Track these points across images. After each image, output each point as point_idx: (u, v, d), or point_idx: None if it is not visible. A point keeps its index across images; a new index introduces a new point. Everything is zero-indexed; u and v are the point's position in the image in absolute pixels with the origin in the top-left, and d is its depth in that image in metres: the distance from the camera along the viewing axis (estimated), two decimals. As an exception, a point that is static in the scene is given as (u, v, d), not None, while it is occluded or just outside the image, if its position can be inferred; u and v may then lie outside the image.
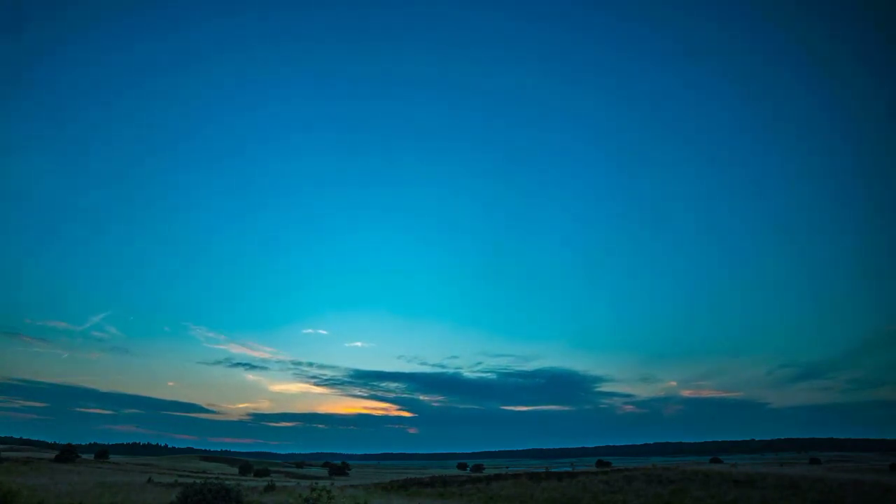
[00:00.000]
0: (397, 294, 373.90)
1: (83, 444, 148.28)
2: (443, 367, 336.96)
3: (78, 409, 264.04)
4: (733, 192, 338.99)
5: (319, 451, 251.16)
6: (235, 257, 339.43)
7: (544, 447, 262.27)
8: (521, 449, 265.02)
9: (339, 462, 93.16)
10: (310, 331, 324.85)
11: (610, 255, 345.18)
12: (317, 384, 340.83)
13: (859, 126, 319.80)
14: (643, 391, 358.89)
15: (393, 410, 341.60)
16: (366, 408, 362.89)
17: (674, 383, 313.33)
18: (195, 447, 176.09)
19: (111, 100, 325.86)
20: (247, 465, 69.88)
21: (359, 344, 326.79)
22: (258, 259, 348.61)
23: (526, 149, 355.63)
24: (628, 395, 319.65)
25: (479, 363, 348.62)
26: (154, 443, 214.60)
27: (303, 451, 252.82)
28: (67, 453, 55.33)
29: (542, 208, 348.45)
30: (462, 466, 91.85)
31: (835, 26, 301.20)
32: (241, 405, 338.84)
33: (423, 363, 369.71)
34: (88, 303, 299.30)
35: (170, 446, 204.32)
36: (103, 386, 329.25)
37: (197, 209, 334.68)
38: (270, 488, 31.60)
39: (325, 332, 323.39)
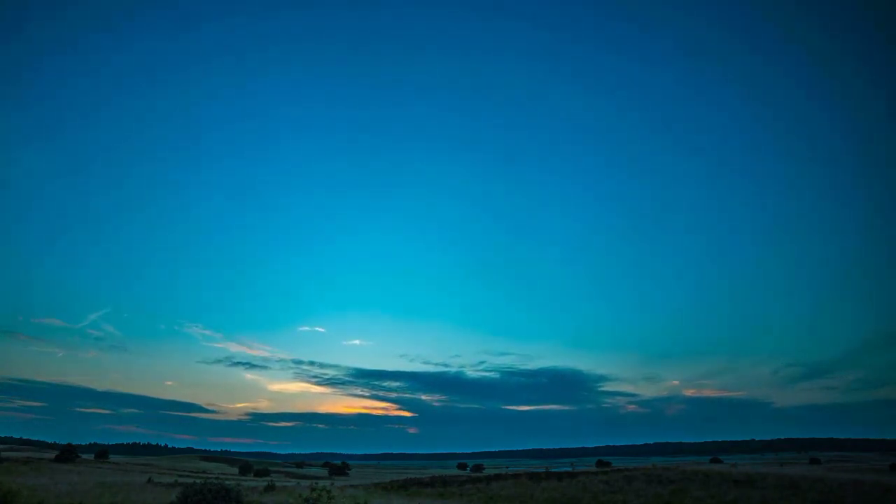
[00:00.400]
0: (399, 294, 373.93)
1: (83, 444, 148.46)
2: (446, 365, 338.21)
3: (77, 409, 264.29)
4: (738, 192, 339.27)
5: (319, 451, 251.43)
6: (233, 256, 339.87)
7: (544, 447, 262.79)
8: (521, 449, 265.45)
9: (339, 462, 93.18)
10: (306, 328, 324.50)
11: (615, 254, 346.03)
12: (318, 383, 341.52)
13: (859, 126, 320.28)
14: (646, 391, 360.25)
15: (393, 410, 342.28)
16: (366, 407, 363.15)
17: (676, 382, 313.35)
18: (195, 447, 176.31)
19: (112, 100, 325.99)
20: (247, 465, 69.90)
21: (357, 342, 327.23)
22: (257, 259, 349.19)
23: (527, 150, 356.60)
24: (631, 395, 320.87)
25: (483, 362, 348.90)
26: (154, 443, 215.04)
27: (302, 451, 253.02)
28: (67, 453, 55.36)
29: (544, 208, 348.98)
30: (462, 466, 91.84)
31: (835, 26, 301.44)
32: (239, 405, 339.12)
33: (427, 362, 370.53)
34: (85, 301, 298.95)
35: (170, 446, 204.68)
36: (101, 385, 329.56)
37: (196, 209, 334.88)
38: (270, 488, 31.60)
39: (321, 330, 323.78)
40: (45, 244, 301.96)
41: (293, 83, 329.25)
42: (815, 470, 46.52)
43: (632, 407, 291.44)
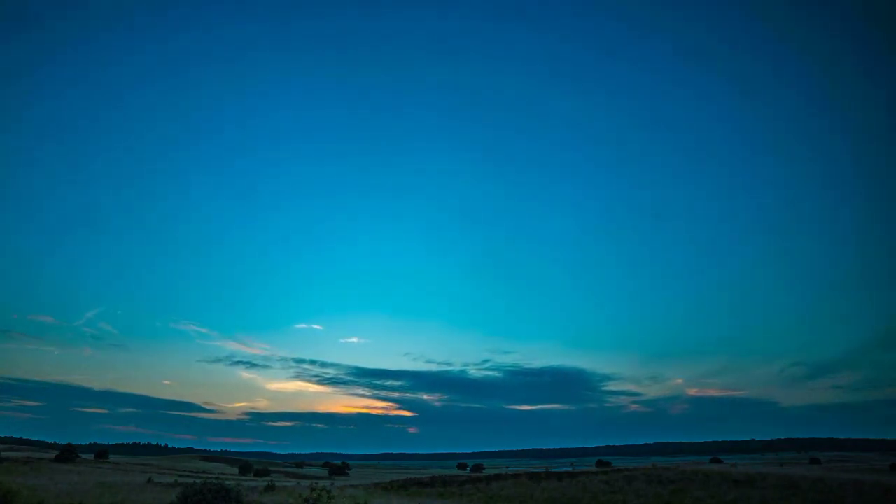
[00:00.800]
0: (403, 294, 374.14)
1: (82, 443, 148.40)
2: (449, 364, 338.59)
3: (75, 409, 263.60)
4: (740, 192, 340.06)
5: (319, 451, 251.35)
6: (231, 255, 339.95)
7: (545, 447, 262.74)
8: (521, 449, 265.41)
9: (338, 462, 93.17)
10: (303, 326, 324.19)
11: (619, 254, 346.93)
12: (318, 382, 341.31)
13: (859, 126, 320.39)
14: (650, 390, 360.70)
15: (393, 410, 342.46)
16: (366, 407, 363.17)
17: (680, 381, 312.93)
18: (194, 447, 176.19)
19: (112, 100, 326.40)
20: (247, 465, 69.85)
21: (354, 339, 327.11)
22: (254, 257, 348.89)
23: (528, 151, 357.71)
24: (635, 394, 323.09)
25: (487, 361, 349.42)
26: (154, 443, 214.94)
27: (302, 451, 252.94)
28: (67, 453, 55.32)
29: (547, 208, 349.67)
30: (462, 466, 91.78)
31: (833, 26, 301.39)
32: (238, 404, 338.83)
33: (430, 361, 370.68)
34: (80, 298, 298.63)
35: (169, 446, 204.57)
36: (98, 384, 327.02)
37: (194, 208, 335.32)
38: (270, 488, 31.58)
39: (319, 328, 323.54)
40: (42, 242, 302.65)
41: (293, 85, 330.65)
42: (815, 470, 46.49)
43: (635, 406, 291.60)
